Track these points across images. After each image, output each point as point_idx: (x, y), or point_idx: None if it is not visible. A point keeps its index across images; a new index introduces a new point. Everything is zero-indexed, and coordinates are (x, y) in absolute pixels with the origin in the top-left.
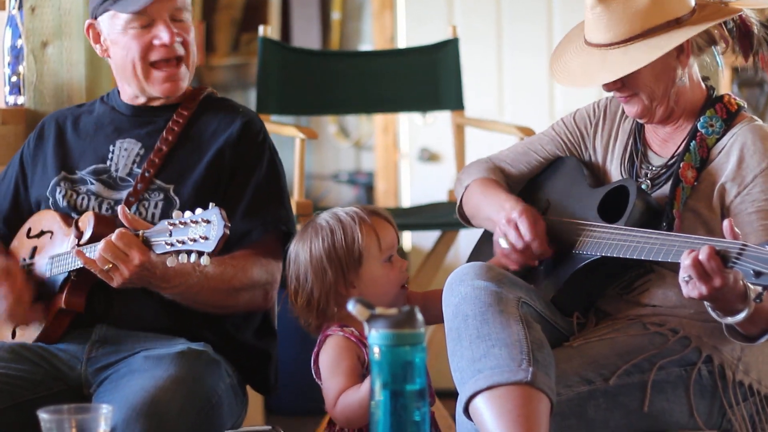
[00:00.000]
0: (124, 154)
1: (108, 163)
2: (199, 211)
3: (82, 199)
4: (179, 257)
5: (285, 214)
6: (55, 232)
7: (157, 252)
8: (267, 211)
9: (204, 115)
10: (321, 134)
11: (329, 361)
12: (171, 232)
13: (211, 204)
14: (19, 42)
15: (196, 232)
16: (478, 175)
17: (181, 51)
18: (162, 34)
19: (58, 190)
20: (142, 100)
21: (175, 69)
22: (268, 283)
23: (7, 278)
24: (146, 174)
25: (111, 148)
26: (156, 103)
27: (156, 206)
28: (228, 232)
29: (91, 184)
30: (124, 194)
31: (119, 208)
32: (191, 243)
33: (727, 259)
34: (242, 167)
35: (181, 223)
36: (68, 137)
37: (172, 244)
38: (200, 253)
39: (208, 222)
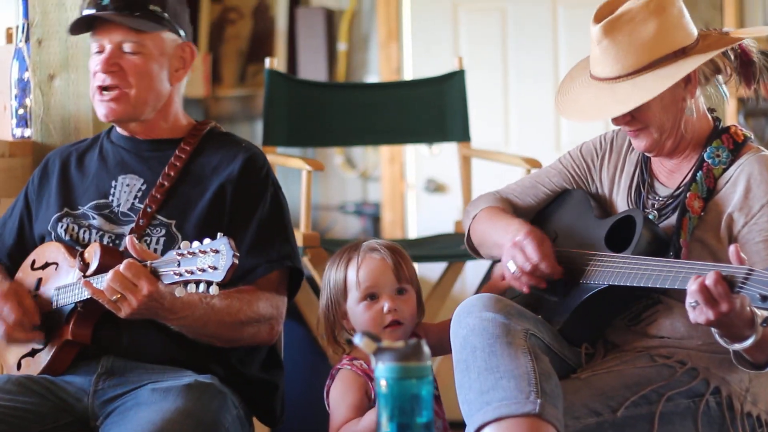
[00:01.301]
0: (126, 189)
1: (110, 198)
2: (207, 240)
3: (84, 232)
4: (188, 287)
5: (289, 249)
6: (60, 263)
7: (166, 282)
8: (272, 248)
9: (206, 150)
10: (327, 165)
11: (336, 394)
12: (179, 262)
13: (219, 234)
14: (26, 75)
15: (205, 261)
16: (485, 206)
17: (109, 81)
18: (101, 58)
19: (59, 225)
20: (140, 134)
21: (111, 93)
22: (274, 318)
23: (13, 298)
24: (148, 209)
25: (113, 183)
26: (156, 137)
27: (158, 242)
28: (237, 261)
29: (93, 218)
30: (125, 229)
31: (127, 239)
32: (200, 273)
33: (734, 284)
34: (245, 203)
35: (189, 253)
36: (72, 174)
37: (180, 274)
38: (209, 283)
39: (216, 252)
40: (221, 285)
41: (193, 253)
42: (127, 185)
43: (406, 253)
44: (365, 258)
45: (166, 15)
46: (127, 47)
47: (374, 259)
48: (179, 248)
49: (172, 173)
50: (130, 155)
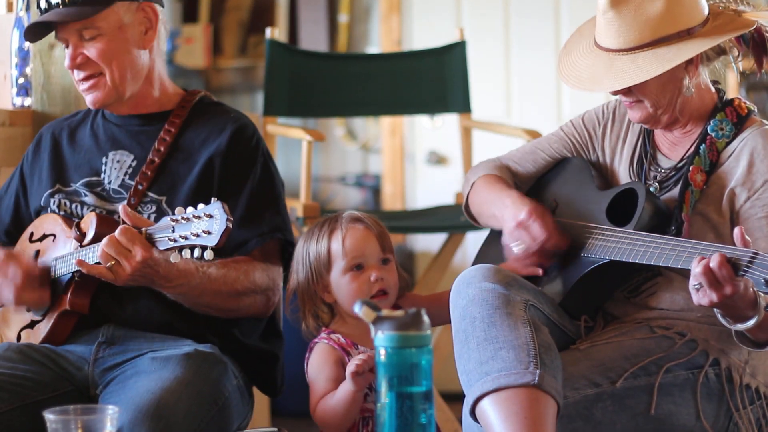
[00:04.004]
0: (116, 166)
1: (102, 176)
2: (201, 206)
3: (76, 207)
4: (182, 253)
5: (281, 221)
6: (57, 234)
7: (160, 248)
8: (262, 220)
9: (195, 123)
10: (328, 137)
11: (314, 367)
12: (174, 227)
13: (213, 199)
14: (27, 44)
15: (199, 226)
16: (483, 173)
17: (82, 74)
18: (66, 58)
19: (52, 201)
20: (130, 110)
21: (89, 82)
22: (269, 288)
23: (13, 258)
24: (139, 187)
25: (104, 160)
26: (146, 111)
27: (149, 218)
28: (231, 225)
29: (85, 195)
30: (117, 206)
31: (120, 207)
32: (194, 238)
33: (738, 267)
34: (234, 175)
35: (183, 218)
36: (64, 150)
37: (175, 240)
38: (203, 248)
39: (210, 216)
40: (216, 250)
41: (187, 219)
42: (118, 161)
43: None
44: (349, 228)
45: None
46: (86, 35)
47: (359, 229)
48: (173, 214)
49: (161, 149)
50: (120, 130)
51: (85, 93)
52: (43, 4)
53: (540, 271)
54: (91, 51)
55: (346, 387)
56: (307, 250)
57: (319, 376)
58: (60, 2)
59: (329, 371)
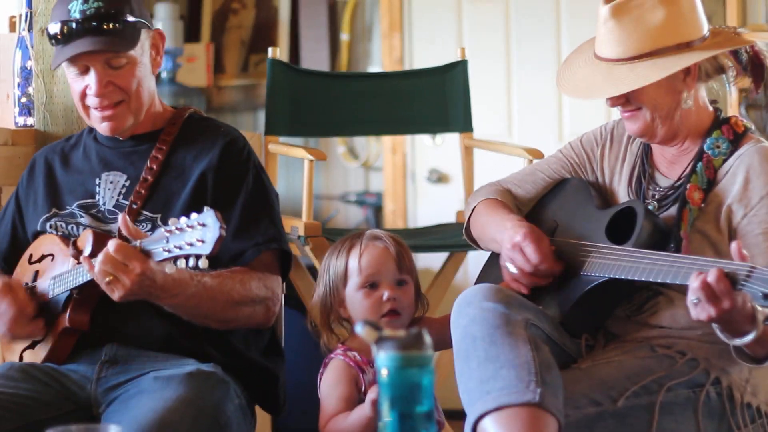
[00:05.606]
0: (110, 186)
1: (96, 197)
2: (194, 215)
3: (73, 229)
4: (177, 263)
5: (275, 231)
6: (55, 254)
7: (156, 260)
8: (257, 231)
9: (186, 139)
10: (330, 155)
11: (328, 384)
12: (168, 238)
13: (205, 207)
14: (29, 63)
15: (193, 236)
16: (484, 197)
17: (116, 98)
18: (91, 83)
19: (48, 225)
20: (128, 133)
21: (111, 110)
22: (269, 298)
23: (8, 293)
24: (133, 206)
25: (97, 181)
26: (136, 132)
27: None
28: (224, 233)
29: (81, 217)
30: (113, 227)
31: (120, 216)
32: (188, 247)
33: (736, 281)
34: (227, 188)
35: (177, 229)
36: (57, 174)
37: (169, 250)
38: (198, 257)
39: (203, 225)
40: (210, 258)
41: (181, 229)
42: (111, 182)
43: (406, 245)
44: (368, 245)
45: (140, 20)
46: (113, 63)
47: (377, 247)
48: (168, 225)
49: (154, 167)
50: (112, 152)
51: (103, 120)
52: (67, 29)
53: (525, 290)
54: (120, 79)
55: (364, 413)
56: (328, 264)
57: (332, 394)
58: (89, 29)
59: (342, 390)
